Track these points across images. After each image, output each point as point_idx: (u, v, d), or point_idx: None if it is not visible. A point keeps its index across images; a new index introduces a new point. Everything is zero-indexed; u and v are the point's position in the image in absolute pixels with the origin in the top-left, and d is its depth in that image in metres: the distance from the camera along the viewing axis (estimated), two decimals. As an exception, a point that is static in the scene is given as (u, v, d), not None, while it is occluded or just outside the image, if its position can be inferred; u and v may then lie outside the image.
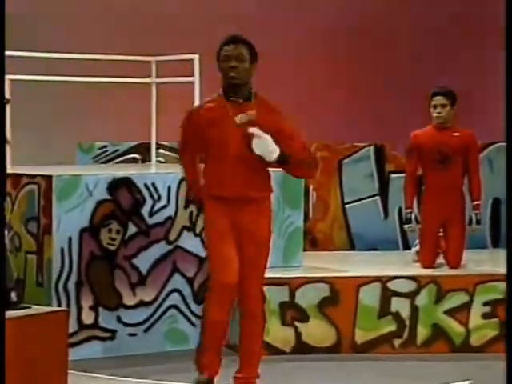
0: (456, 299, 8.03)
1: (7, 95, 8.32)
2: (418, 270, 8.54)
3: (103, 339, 7.91)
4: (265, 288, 6.24)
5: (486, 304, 8.01)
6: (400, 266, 8.84)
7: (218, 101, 5.48)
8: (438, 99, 8.35)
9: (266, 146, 5.28)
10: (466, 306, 8.15)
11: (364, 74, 13.17)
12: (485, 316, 8.07)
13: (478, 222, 8.70)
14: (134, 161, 11.00)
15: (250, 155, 5.36)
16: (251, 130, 5.25)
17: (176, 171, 8.36)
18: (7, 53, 6.94)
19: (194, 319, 8.24)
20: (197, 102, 8.79)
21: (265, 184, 5.58)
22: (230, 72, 5.34)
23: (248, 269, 5.51)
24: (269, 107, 5.56)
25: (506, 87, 3.88)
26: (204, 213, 5.67)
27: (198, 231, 8.24)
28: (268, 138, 5.23)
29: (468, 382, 6.98)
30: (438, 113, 8.35)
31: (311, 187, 10.13)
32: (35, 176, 7.99)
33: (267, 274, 6.48)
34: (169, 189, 8.17)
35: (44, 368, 6.31)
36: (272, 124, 5.42)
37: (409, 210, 8.68)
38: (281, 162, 5.49)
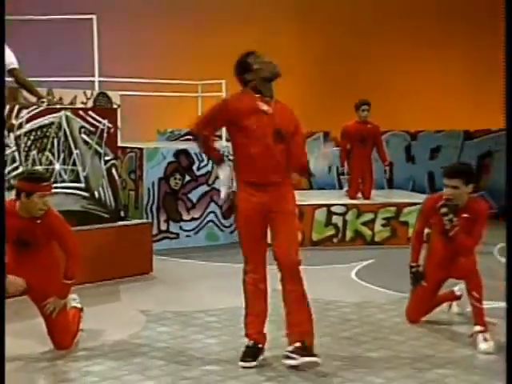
0: (367, 216, 10.23)
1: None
2: (347, 200, 10.58)
3: (171, 238, 9.88)
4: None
5: (383, 219, 10.14)
6: (337, 198, 10.89)
7: (249, 95, 5.00)
8: (364, 107, 10.47)
9: None
10: (373, 220, 10.24)
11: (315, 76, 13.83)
12: (383, 225, 10.15)
13: (385, 172, 11.00)
14: (188, 139, 10.64)
15: (276, 143, 4.96)
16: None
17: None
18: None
19: (221, 228, 10.23)
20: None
21: (286, 169, 5.07)
22: (274, 68, 4.99)
23: (284, 239, 5.03)
24: (287, 106, 5.19)
25: (506, 87, 3.38)
26: (237, 198, 5.13)
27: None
28: None
29: (372, 260, 8.83)
30: (365, 115, 10.48)
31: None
32: (134, 148, 9.87)
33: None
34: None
35: (139, 254, 8.20)
36: (293, 119, 5.18)
37: (342, 168, 10.90)
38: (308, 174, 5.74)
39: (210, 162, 5.42)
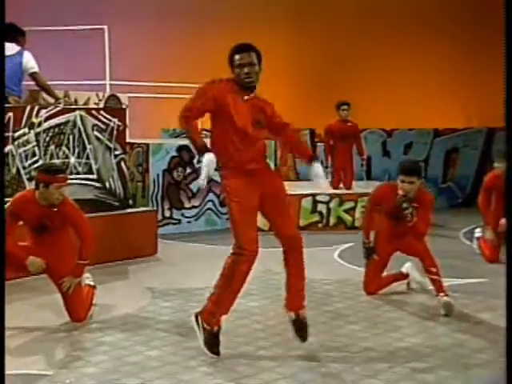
0: (348, 204, 10.21)
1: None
2: (330, 190, 10.26)
3: (174, 224, 9.87)
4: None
5: (362, 207, 9.60)
6: (321, 189, 10.09)
7: (232, 84, 4.58)
8: (344, 107, 10.46)
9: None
10: (353, 208, 10.19)
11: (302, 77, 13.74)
12: (362, 212, 9.17)
13: (362, 165, 11.20)
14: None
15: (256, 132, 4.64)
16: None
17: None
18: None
19: (219, 214, 10.22)
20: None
21: (264, 155, 4.82)
22: (245, 78, 4.53)
23: (281, 218, 4.75)
24: (263, 98, 4.76)
25: (506, 87, 3.27)
26: (224, 184, 4.71)
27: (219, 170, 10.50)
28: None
29: (352, 243, 8.49)
30: (345, 115, 10.49)
31: (278, 151, 11.55)
32: (141, 144, 9.88)
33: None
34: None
35: (146, 238, 8.19)
36: (263, 104, 4.75)
37: (326, 163, 10.83)
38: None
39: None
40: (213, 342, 4.66)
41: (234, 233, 4.66)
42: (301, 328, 4.86)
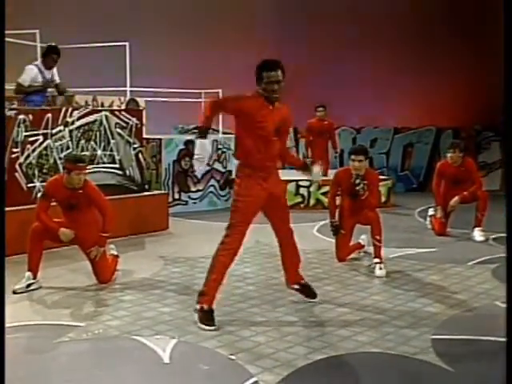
0: (325, 188, 9.31)
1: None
2: (310, 177, 10.87)
3: (182, 204, 9.70)
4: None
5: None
6: (303, 175, 11.13)
7: (258, 98, 4.27)
8: (320, 109, 10.40)
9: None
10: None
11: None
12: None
13: (336, 157, 11.05)
14: (194, 133, 12.45)
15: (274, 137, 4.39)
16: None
17: (211, 137, 9.46)
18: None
19: (219, 196, 10.08)
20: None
21: (277, 156, 4.56)
22: (273, 94, 4.26)
23: (282, 214, 4.61)
24: (287, 107, 4.52)
25: (505, 86, 2.99)
26: (239, 182, 4.41)
27: (220, 160, 9.89)
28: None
29: (327, 220, 7.55)
30: (321, 115, 10.40)
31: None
32: (155, 139, 9.70)
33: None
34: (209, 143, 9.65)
35: (159, 216, 8.13)
36: (286, 116, 4.48)
37: (307, 154, 10.81)
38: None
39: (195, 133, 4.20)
40: (204, 317, 4.33)
41: (231, 221, 4.42)
42: (308, 291, 4.92)
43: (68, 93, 7.69)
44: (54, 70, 7.48)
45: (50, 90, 7.56)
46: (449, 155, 7.60)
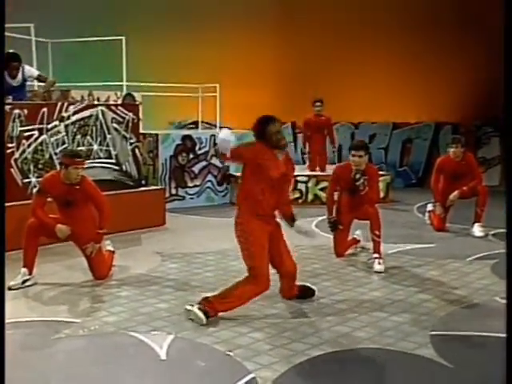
0: (323, 184, 9.82)
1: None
2: (308, 172, 10.38)
3: (179, 200, 9.71)
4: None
5: None
6: (301, 171, 10.18)
7: (263, 146, 4.38)
8: (317, 104, 10.32)
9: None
10: (327, 187, 9.22)
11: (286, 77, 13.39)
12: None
13: (334, 153, 11.12)
14: (192, 128, 11.77)
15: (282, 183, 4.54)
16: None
17: (209, 132, 10.03)
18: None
19: (216, 192, 10.08)
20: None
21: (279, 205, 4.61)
22: (281, 143, 4.43)
23: (285, 251, 4.66)
24: (288, 155, 4.71)
25: (505, 85, 2.97)
26: (244, 226, 4.46)
27: (217, 156, 9.70)
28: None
29: (325, 216, 6.92)
30: (318, 110, 10.30)
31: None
32: (152, 134, 9.69)
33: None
34: (206, 139, 9.91)
35: (156, 211, 8.11)
36: (289, 164, 4.61)
37: (305, 150, 11.02)
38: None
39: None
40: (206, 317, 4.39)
41: (250, 266, 4.44)
42: (305, 295, 4.97)
43: (50, 81, 7.63)
44: (28, 67, 7.38)
45: (28, 83, 7.51)
46: (451, 150, 7.59)
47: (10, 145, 6.76)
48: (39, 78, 7.49)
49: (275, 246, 4.61)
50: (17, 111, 6.81)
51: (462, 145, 7.55)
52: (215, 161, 10.04)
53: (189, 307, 4.43)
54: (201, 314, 4.33)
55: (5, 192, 5.03)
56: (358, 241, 6.68)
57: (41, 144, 7.09)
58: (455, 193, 7.53)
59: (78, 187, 5.34)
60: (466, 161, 7.60)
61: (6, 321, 4.03)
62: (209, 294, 4.52)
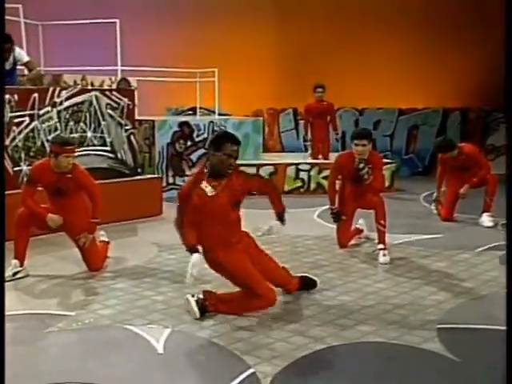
0: (326, 172, 9.30)
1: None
2: (310, 160, 10.45)
3: (176, 189, 9.04)
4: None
5: None
6: (303, 158, 10.65)
7: (202, 177, 4.31)
8: (319, 89, 10.35)
9: None
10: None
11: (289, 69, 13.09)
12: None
13: (337, 140, 11.12)
14: (190, 114, 11.78)
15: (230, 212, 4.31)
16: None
17: (207, 119, 10.02)
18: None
19: None
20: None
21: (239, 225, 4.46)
22: (228, 168, 4.19)
23: (271, 265, 4.57)
24: (240, 175, 4.36)
25: (505, 81, 2.98)
26: (215, 260, 4.34)
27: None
28: None
29: (328, 205, 7.80)
30: (319, 96, 10.35)
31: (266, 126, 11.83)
32: (148, 120, 9.67)
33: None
34: (204, 126, 9.89)
35: (152, 201, 8.12)
36: (244, 186, 4.32)
37: (306, 137, 11.03)
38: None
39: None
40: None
41: (249, 287, 4.34)
42: (308, 286, 4.92)
43: (38, 71, 7.65)
44: (18, 49, 7.37)
45: (18, 67, 7.47)
46: (446, 157, 7.60)
47: (-1, 131, 6.74)
48: (27, 65, 7.46)
49: (257, 263, 4.44)
50: (7, 96, 6.77)
51: (453, 148, 7.50)
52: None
53: (190, 297, 4.40)
54: (196, 309, 4.31)
55: (4, 183, 5.00)
56: (362, 230, 6.68)
57: (32, 131, 7.08)
58: (465, 186, 7.51)
59: (69, 176, 5.32)
60: (464, 154, 7.52)
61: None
62: (210, 289, 4.54)
